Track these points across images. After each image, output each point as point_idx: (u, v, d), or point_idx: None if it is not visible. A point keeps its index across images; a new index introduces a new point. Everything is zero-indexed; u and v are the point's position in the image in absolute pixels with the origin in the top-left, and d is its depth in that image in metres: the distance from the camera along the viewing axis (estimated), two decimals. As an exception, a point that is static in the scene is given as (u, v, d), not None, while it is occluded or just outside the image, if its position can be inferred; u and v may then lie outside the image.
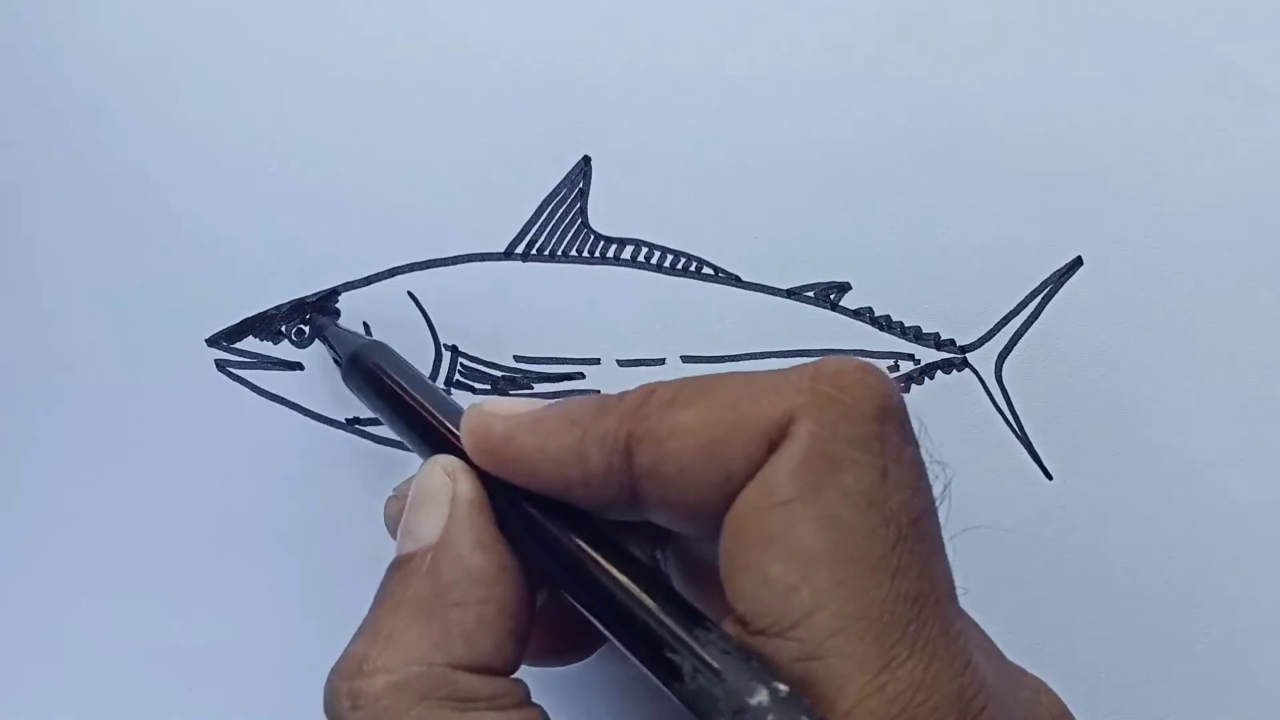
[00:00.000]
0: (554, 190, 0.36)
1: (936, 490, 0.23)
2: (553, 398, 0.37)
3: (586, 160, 0.36)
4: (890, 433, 0.22)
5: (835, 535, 0.21)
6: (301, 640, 0.37)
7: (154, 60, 0.36)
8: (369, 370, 0.32)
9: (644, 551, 0.28)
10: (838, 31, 0.36)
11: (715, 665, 0.22)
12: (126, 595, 0.38)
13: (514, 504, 0.26)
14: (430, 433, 0.29)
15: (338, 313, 0.36)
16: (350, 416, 0.37)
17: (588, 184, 0.36)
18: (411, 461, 0.37)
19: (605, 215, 0.37)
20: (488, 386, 0.37)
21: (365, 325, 0.37)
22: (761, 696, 0.21)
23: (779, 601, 0.21)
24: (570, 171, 0.36)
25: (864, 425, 0.22)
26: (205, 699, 0.38)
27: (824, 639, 0.21)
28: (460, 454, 0.27)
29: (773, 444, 0.22)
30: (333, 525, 0.37)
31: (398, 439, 0.37)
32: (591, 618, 0.24)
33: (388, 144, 0.36)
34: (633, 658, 0.23)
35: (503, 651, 0.24)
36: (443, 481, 0.26)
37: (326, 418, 0.37)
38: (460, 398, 0.37)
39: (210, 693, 0.38)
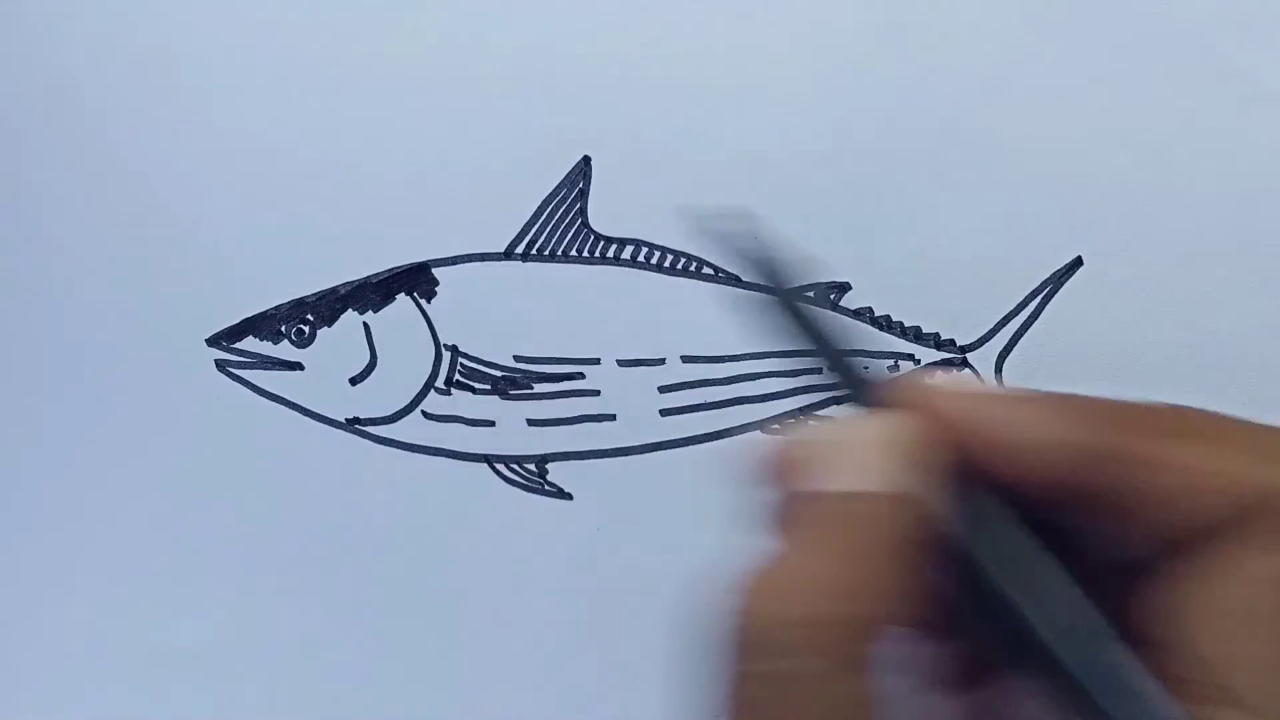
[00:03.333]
0: (554, 190, 0.36)
1: None
2: (555, 399, 0.37)
3: (586, 160, 0.36)
4: None
5: None
6: (301, 638, 0.37)
7: (155, 60, 0.36)
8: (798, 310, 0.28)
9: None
10: (837, 32, 0.36)
11: None
12: (126, 594, 0.38)
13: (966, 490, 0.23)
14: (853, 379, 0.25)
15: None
16: (350, 416, 0.37)
17: (588, 184, 0.36)
18: (414, 463, 0.37)
19: (605, 215, 0.37)
20: (488, 386, 0.37)
21: (365, 326, 0.37)
22: None
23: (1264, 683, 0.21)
24: (570, 171, 0.36)
25: None
26: (205, 697, 0.38)
27: None
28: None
29: (1251, 512, 0.21)
30: (332, 525, 0.37)
31: (397, 440, 0.37)
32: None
33: (388, 145, 0.36)
34: None
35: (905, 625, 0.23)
36: (892, 437, 0.23)
37: (326, 418, 0.37)
38: (460, 398, 0.37)
39: (210, 691, 0.38)
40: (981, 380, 0.25)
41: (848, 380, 0.25)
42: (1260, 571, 0.21)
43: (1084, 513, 0.23)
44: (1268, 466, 0.22)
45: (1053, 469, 0.23)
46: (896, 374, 0.36)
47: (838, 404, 0.37)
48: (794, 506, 0.23)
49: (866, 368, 0.38)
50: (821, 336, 0.26)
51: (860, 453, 0.23)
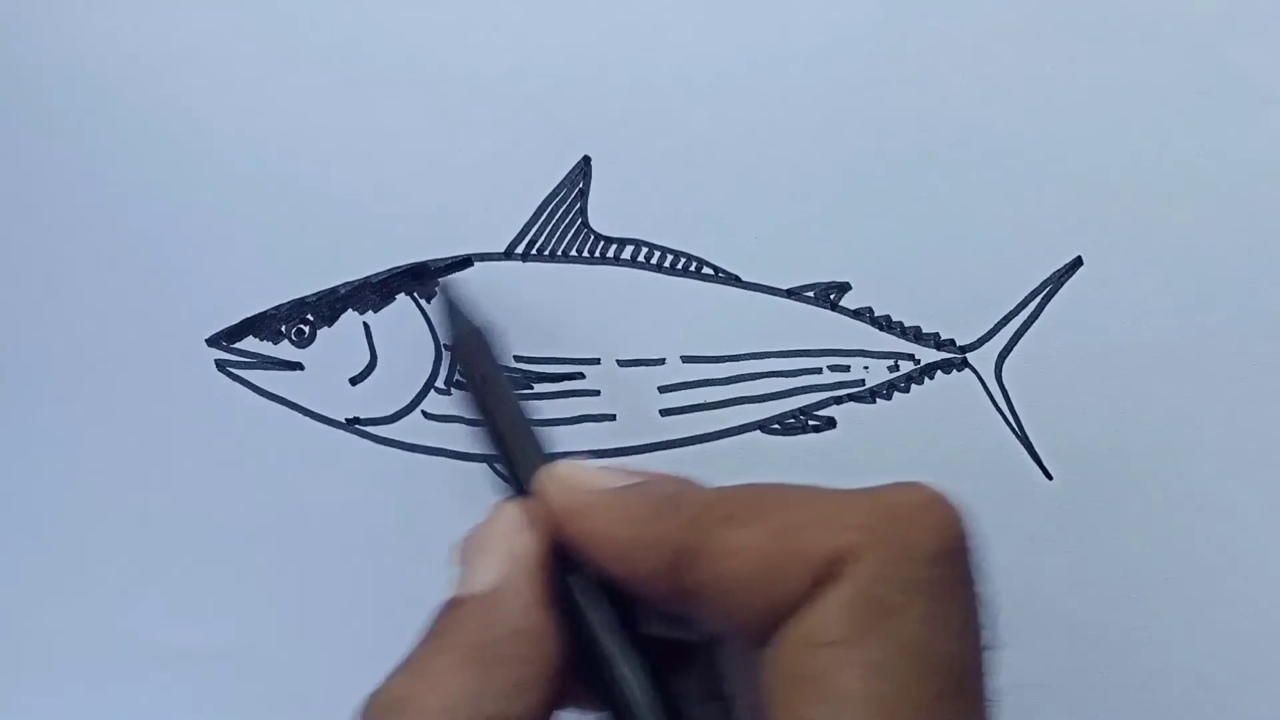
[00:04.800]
0: (554, 190, 0.36)
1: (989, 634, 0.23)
2: (555, 399, 0.37)
3: (586, 160, 0.36)
4: (946, 577, 0.22)
5: (878, 683, 0.21)
6: (302, 640, 0.37)
7: (155, 59, 0.36)
8: (467, 369, 0.32)
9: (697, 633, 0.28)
10: (837, 31, 0.36)
11: None
12: (126, 596, 0.38)
13: (569, 571, 0.26)
14: (508, 465, 0.29)
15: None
16: (350, 416, 0.37)
17: (588, 184, 0.36)
18: (414, 463, 0.37)
19: (605, 215, 0.37)
20: (488, 386, 0.37)
21: (366, 326, 0.37)
22: None
23: None
24: (570, 171, 0.36)
25: (919, 569, 0.22)
26: (205, 700, 0.38)
27: None
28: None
29: (821, 579, 0.22)
30: (332, 526, 0.37)
31: (398, 440, 0.37)
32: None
33: (388, 144, 0.36)
34: None
35: (537, 713, 0.25)
36: (507, 532, 0.26)
37: (326, 418, 0.37)
38: (461, 398, 0.37)
39: (210, 693, 0.38)
40: (606, 471, 0.26)
41: (500, 467, 0.30)
42: (809, 636, 0.22)
43: (687, 601, 0.24)
44: (832, 533, 0.22)
45: (620, 565, 0.25)
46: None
47: (837, 403, 0.37)
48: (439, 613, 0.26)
49: (866, 367, 0.38)
50: (490, 411, 0.31)
51: (480, 554, 0.26)
